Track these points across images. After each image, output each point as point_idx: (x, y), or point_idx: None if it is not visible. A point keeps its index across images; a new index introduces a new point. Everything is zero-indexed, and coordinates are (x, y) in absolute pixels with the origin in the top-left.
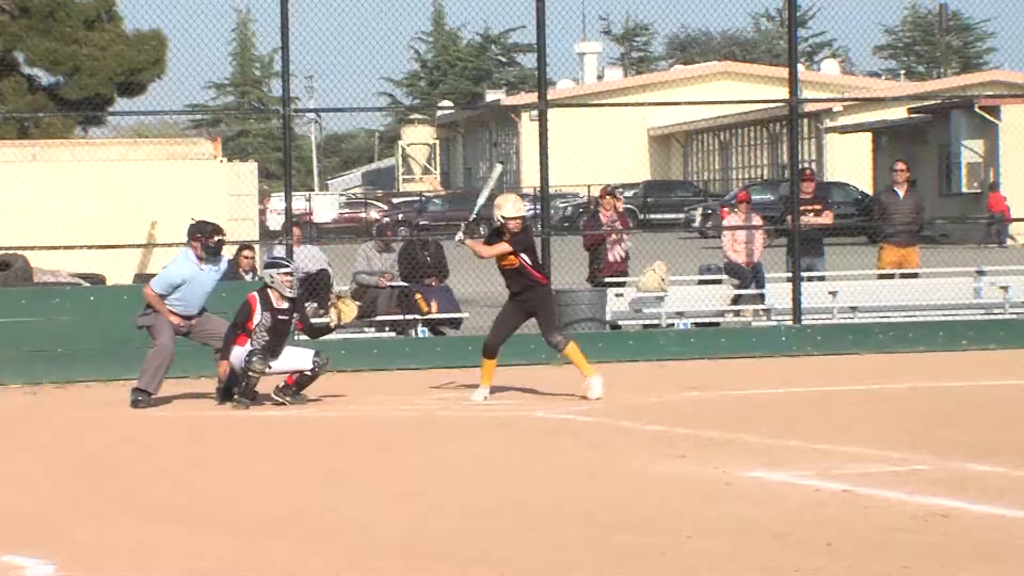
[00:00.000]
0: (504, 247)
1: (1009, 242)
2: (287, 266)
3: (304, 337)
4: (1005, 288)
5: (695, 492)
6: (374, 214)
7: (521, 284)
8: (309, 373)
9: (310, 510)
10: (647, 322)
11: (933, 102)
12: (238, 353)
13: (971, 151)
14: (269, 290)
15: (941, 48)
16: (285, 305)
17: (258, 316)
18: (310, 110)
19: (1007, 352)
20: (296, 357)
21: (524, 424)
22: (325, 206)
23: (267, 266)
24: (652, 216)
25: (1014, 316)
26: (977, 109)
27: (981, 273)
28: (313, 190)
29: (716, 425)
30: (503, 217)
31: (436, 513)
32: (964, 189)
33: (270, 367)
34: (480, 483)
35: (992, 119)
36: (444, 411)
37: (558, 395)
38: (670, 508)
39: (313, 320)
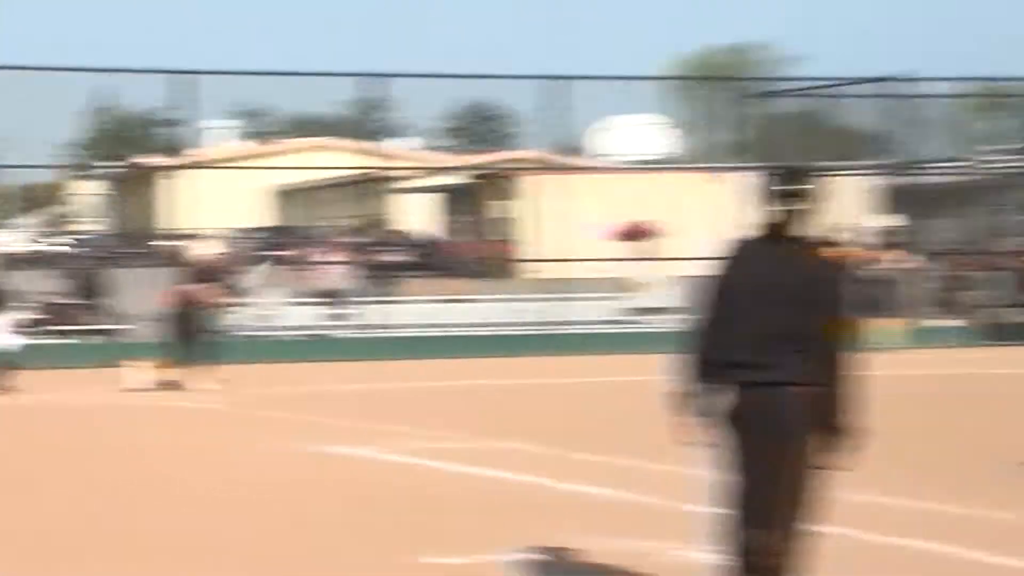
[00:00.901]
0: None
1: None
2: None
3: None
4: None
5: (288, 465)
6: None
7: None
8: None
9: None
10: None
11: (478, 171)
12: None
13: (501, 211)
14: None
15: (483, 130)
16: None
17: None
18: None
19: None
20: None
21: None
22: None
23: None
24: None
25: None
26: (505, 178)
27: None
28: None
29: (317, 411)
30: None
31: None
32: (492, 238)
33: None
34: (130, 463)
35: (516, 186)
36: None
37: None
38: (264, 477)
39: None
